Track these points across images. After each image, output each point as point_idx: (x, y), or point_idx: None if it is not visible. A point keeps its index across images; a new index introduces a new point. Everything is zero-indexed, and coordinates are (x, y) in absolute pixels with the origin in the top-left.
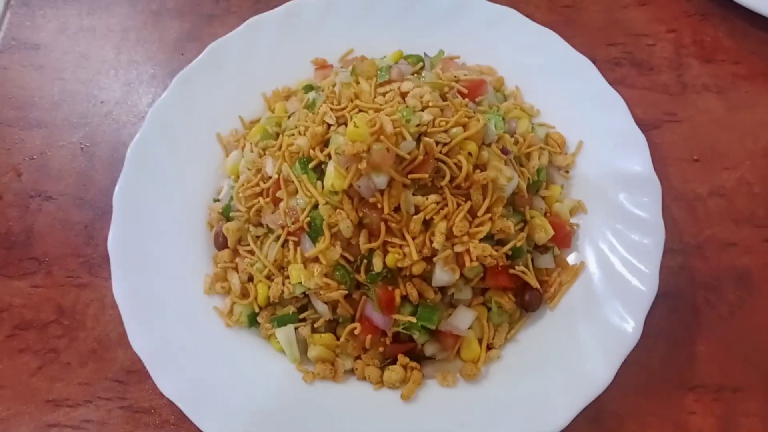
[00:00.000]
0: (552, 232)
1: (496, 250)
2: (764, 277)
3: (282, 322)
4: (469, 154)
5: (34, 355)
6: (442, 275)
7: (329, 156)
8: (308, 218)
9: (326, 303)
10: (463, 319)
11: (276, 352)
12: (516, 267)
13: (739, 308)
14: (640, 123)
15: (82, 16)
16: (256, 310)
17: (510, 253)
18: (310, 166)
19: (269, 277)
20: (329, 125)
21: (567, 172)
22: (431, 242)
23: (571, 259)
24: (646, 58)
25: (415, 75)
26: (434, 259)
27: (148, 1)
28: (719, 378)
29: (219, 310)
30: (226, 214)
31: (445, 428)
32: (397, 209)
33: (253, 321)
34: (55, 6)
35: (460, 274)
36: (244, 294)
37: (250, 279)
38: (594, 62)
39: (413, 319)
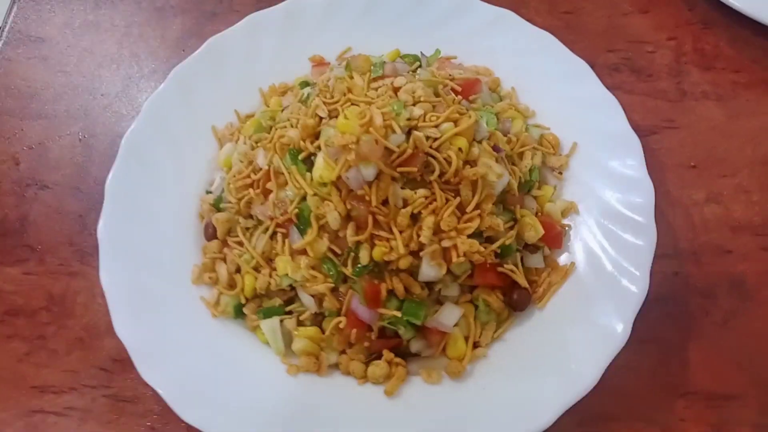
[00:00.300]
0: (542, 232)
1: (485, 248)
2: (760, 286)
3: (268, 313)
4: (460, 149)
5: (22, 341)
6: (428, 270)
7: (319, 148)
8: (297, 210)
9: (313, 296)
10: (449, 315)
11: (261, 345)
12: (505, 265)
13: (733, 316)
14: (637, 128)
15: (87, 11)
16: (243, 301)
17: (499, 251)
18: (300, 157)
19: (257, 269)
20: (321, 118)
21: (560, 173)
22: (418, 236)
23: (562, 259)
24: (645, 65)
25: (411, 73)
26: (421, 254)
27: None
28: (712, 385)
29: (206, 300)
30: (217, 206)
31: (428, 424)
32: (385, 202)
33: (239, 312)
34: (62, 0)
35: (447, 270)
36: (231, 285)
37: (238, 270)
38: (592, 67)
39: (398, 314)
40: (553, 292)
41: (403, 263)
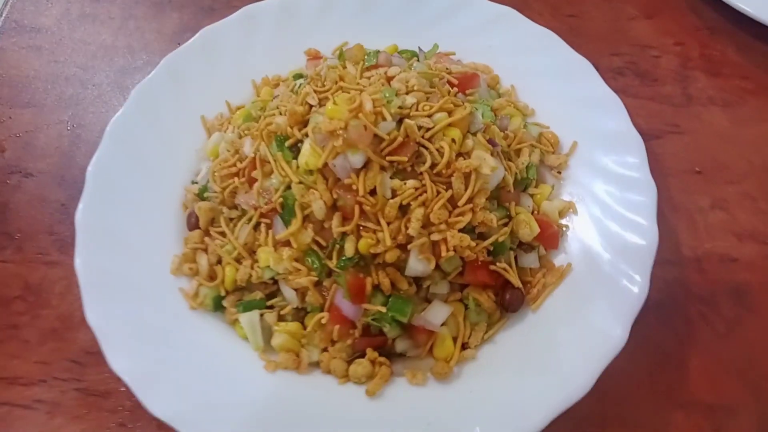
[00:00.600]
0: (537, 230)
1: (477, 244)
2: (764, 295)
3: (248, 307)
4: (453, 140)
5: None
6: (416, 264)
7: (307, 135)
8: (281, 199)
9: (295, 290)
10: (437, 314)
11: (239, 339)
12: (497, 264)
13: (735, 325)
14: (641, 132)
15: (85, 4)
16: (222, 293)
17: (492, 248)
18: (287, 144)
19: (238, 260)
20: (311, 106)
21: (559, 172)
22: (407, 229)
23: (558, 260)
24: (650, 69)
25: (407, 66)
26: (409, 247)
27: None
28: (710, 395)
29: (184, 291)
30: (201, 196)
31: (410, 428)
32: (373, 193)
33: (218, 305)
34: None
35: (436, 266)
36: (212, 276)
37: (219, 262)
38: (596, 69)
39: (383, 309)
40: (547, 293)
41: (390, 256)
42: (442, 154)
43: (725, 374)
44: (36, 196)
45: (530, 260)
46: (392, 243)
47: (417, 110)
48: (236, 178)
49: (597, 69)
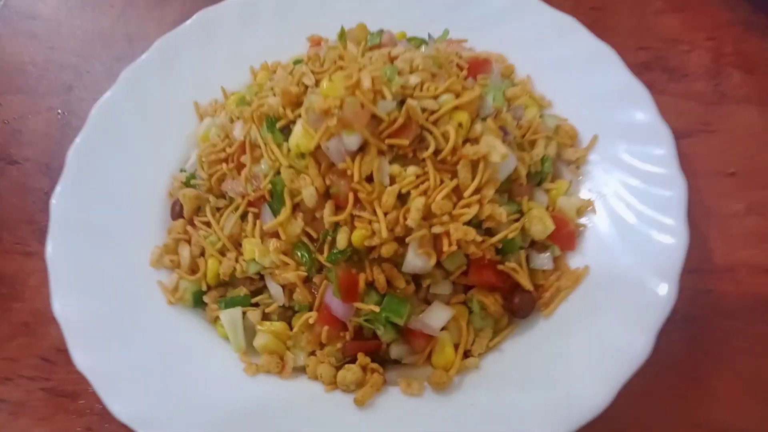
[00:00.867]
0: (552, 227)
1: (484, 240)
2: None
3: (230, 303)
4: (460, 125)
5: None
6: (415, 260)
7: (300, 117)
8: (270, 186)
9: (283, 286)
10: (437, 316)
11: (220, 339)
12: (506, 263)
13: (766, 343)
14: None
15: None
16: (204, 288)
17: (500, 246)
18: (278, 126)
19: (222, 253)
20: (307, 87)
21: (578, 167)
22: (405, 220)
23: (575, 263)
24: (679, 65)
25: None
26: (407, 239)
27: None
28: (734, 419)
29: (163, 284)
30: (189, 184)
31: None
32: (370, 179)
33: (198, 301)
34: None
35: (437, 263)
36: (193, 269)
37: (203, 254)
38: None
39: (376, 309)
40: (562, 298)
41: (386, 250)
42: (447, 139)
43: (753, 397)
44: (20, 184)
45: (543, 261)
46: (389, 235)
47: (421, 91)
48: (224, 164)
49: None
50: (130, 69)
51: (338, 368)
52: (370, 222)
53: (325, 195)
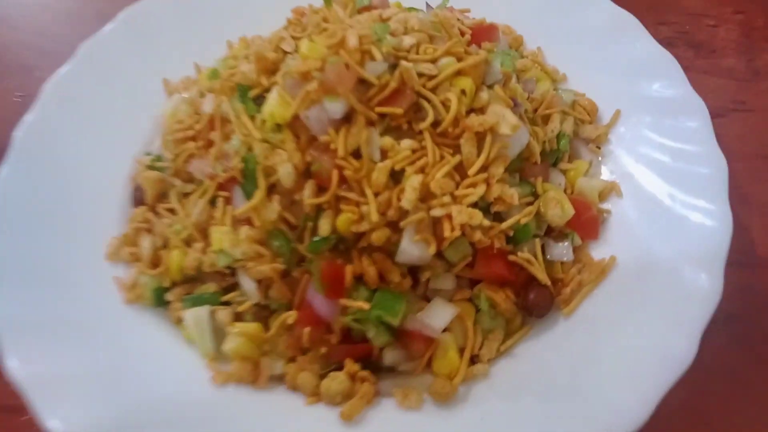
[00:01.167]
0: (572, 212)
1: (493, 227)
2: None
3: (197, 301)
4: (463, 92)
5: None
6: (411, 248)
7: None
8: (242, 164)
9: (257, 282)
10: (438, 316)
11: (184, 343)
12: (519, 254)
13: None
14: None
15: None
16: (167, 284)
17: (512, 233)
18: (251, 95)
19: (188, 243)
20: (286, 53)
21: (598, 146)
22: (399, 201)
23: (599, 253)
24: (706, 40)
25: None
26: (402, 224)
27: None
28: None
29: (119, 280)
30: (154, 167)
31: None
32: (358, 155)
33: (160, 299)
34: None
35: (438, 252)
36: (155, 263)
37: (167, 246)
38: None
39: (366, 306)
40: (584, 294)
41: (378, 237)
42: (448, 109)
43: None
44: None
45: (562, 251)
46: (380, 219)
47: (417, 53)
48: (192, 142)
49: None
50: (91, 41)
51: (322, 377)
52: (357, 204)
53: (305, 173)
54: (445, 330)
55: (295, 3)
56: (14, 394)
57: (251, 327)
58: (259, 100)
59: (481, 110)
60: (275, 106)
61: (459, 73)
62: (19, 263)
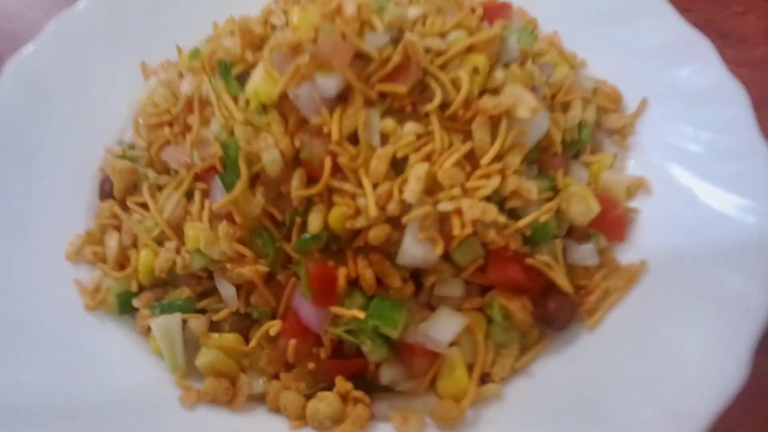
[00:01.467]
0: (596, 209)
1: (508, 225)
2: None
3: (167, 308)
4: (475, 70)
5: None
6: (414, 248)
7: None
8: (222, 151)
9: (237, 287)
10: (444, 327)
11: (151, 356)
12: (537, 256)
13: None
14: None
15: None
16: (134, 288)
17: (529, 233)
18: (234, 72)
19: (160, 242)
20: (274, 28)
21: (623, 137)
22: (402, 194)
23: (627, 257)
24: (735, 28)
25: None
26: (404, 220)
27: None
28: None
29: (80, 284)
30: (126, 157)
31: None
32: (354, 140)
33: (126, 305)
34: None
35: (444, 253)
36: (122, 264)
37: (136, 245)
38: None
39: (362, 315)
40: (611, 303)
41: (376, 235)
42: (458, 89)
43: None
44: None
45: (585, 254)
46: (379, 214)
47: (423, 26)
48: (168, 128)
49: None
50: (61, 19)
51: (309, 397)
52: (353, 197)
53: (294, 161)
54: (451, 344)
55: None
56: None
57: (229, 338)
58: (243, 78)
59: (496, 91)
60: (261, 83)
61: (471, 49)
62: None
